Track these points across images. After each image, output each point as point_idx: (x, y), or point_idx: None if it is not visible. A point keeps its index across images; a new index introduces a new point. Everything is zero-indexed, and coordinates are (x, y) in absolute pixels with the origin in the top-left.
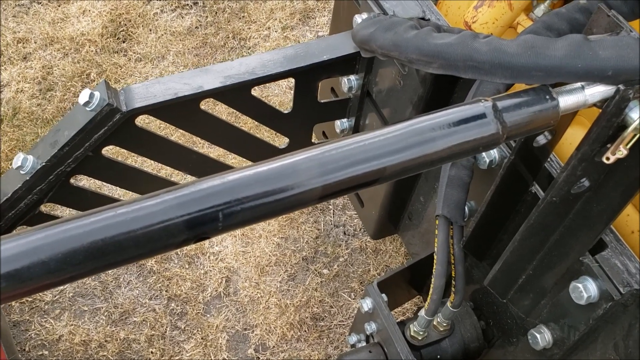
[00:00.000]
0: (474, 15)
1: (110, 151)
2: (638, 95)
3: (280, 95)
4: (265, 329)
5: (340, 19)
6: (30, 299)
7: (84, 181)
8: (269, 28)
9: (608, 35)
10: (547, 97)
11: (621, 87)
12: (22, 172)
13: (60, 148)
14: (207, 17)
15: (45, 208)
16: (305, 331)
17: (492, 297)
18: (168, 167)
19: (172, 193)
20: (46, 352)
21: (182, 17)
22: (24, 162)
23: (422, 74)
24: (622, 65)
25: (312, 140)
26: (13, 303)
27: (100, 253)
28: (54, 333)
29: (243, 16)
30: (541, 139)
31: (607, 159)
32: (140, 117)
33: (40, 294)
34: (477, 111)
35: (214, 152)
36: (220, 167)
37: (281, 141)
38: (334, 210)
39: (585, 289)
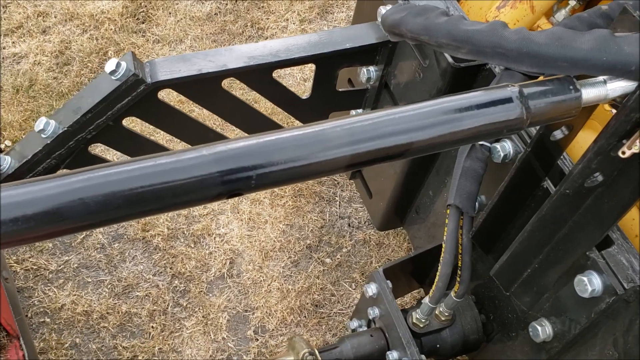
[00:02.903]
0: (496, 16)
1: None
2: None
3: (294, 87)
4: (266, 311)
5: (364, 13)
6: (35, 267)
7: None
8: (287, 20)
9: (634, 33)
10: (571, 87)
11: None
12: (43, 135)
13: (83, 114)
14: (227, 4)
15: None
16: (305, 316)
17: (495, 292)
18: (184, 143)
19: (210, 149)
20: (48, 320)
21: (202, 3)
22: (46, 126)
23: (442, 66)
24: None
25: None
26: (17, 269)
27: (139, 199)
28: (56, 301)
29: (262, 6)
30: (558, 134)
31: (623, 153)
32: (162, 92)
33: (45, 263)
34: (504, 95)
35: (229, 132)
36: None
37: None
38: (340, 202)
39: (590, 283)
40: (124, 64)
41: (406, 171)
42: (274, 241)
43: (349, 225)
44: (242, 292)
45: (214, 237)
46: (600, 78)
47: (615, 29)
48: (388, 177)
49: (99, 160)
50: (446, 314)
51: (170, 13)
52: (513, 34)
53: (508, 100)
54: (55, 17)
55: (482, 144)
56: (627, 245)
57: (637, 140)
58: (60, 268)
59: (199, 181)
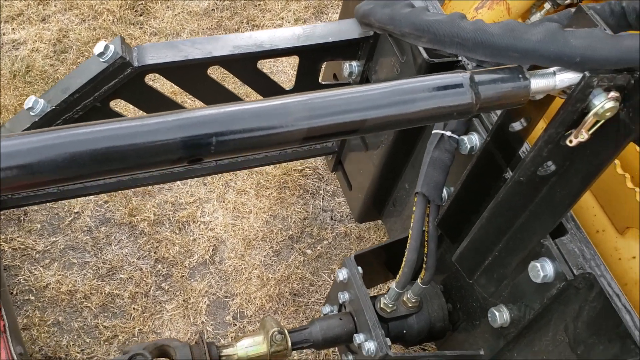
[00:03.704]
0: (474, 16)
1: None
2: (602, 84)
3: (285, 83)
4: (245, 298)
5: (349, 13)
6: (22, 247)
7: None
8: (282, 18)
9: (581, 28)
10: (520, 76)
11: (587, 74)
12: (32, 113)
13: (70, 94)
14: (224, 1)
15: None
16: (283, 304)
17: (461, 281)
18: None
19: (174, 115)
20: (32, 298)
21: None
22: (35, 104)
23: (418, 62)
24: (589, 54)
25: None
26: (5, 248)
27: (104, 159)
28: (41, 280)
29: (259, 4)
30: (517, 125)
31: (570, 142)
32: (150, 76)
33: (32, 243)
34: (456, 80)
35: None
36: None
37: None
38: (324, 196)
39: (543, 269)
40: (112, 47)
41: (383, 164)
42: (257, 231)
43: (332, 218)
44: (223, 279)
45: (199, 225)
46: (551, 69)
47: (570, 25)
48: (367, 170)
49: None
50: (413, 300)
51: (168, 7)
52: (470, 25)
53: (459, 85)
54: (55, 5)
55: (450, 136)
56: (580, 234)
57: (583, 130)
58: (47, 248)
59: (162, 145)
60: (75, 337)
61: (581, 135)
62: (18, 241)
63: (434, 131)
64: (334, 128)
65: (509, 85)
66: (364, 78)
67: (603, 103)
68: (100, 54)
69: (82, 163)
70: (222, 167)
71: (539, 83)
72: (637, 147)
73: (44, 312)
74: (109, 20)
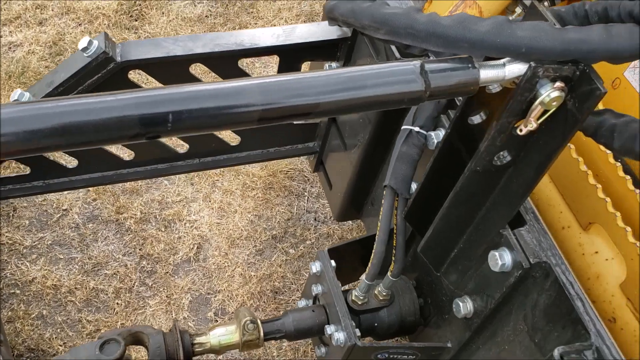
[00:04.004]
0: None
1: None
2: (548, 75)
3: None
4: (228, 295)
5: None
6: (10, 242)
7: None
8: (274, 25)
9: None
10: (470, 66)
11: (532, 64)
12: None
13: (55, 87)
14: (217, 7)
15: None
16: (264, 302)
17: (432, 276)
18: None
19: (132, 93)
20: (18, 291)
21: (195, 5)
22: (20, 97)
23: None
24: (534, 44)
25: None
26: None
27: (64, 132)
28: (28, 275)
29: (252, 12)
30: (476, 119)
31: (520, 130)
32: (134, 73)
33: (20, 238)
34: (406, 68)
35: None
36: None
37: None
38: (308, 197)
39: (501, 257)
40: (95, 42)
41: (360, 164)
42: (242, 230)
43: (315, 219)
44: (207, 276)
45: (185, 223)
46: (501, 61)
47: (524, 21)
48: (345, 169)
49: None
50: (384, 293)
51: (163, 13)
52: (423, 17)
53: (410, 73)
54: (52, 10)
55: (418, 132)
56: (538, 226)
57: (531, 119)
58: (34, 244)
59: (119, 120)
60: (59, 330)
61: (530, 124)
62: (6, 236)
63: (403, 127)
64: (287, 110)
65: (459, 74)
66: None
67: (549, 92)
68: (84, 49)
69: (43, 135)
70: (205, 164)
71: (488, 73)
72: (601, 147)
73: (29, 305)
74: (104, 24)
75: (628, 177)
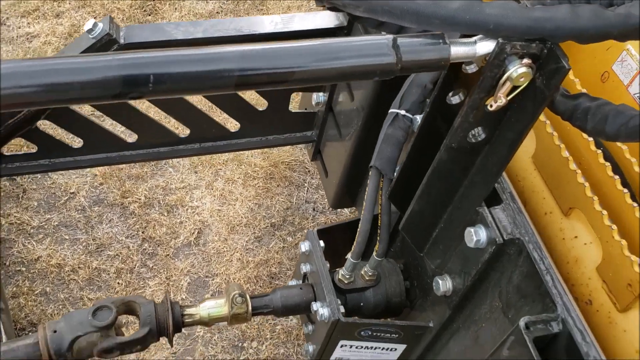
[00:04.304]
0: None
1: None
2: (515, 51)
3: None
4: (225, 278)
5: None
6: (18, 222)
7: None
8: None
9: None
10: (441, 41)
11: (500, 40)
12: None
13: None
14: (229, 4)
15: (42, 126)
16: (260, 286)
17: (418, 260)
18: (159, 110)
19: (117, 55)
20: (23, 269)
21: (206, 2)
22: (94, 27)
23: None
24: (501, 21)
25: (289, 109)
26: (2, 222)
27: (53, 89)
28: (33, 254)
29: (262, 8)
30: (455, 99)
31: (490, 106)
32: None
33: (28, 219)
34: (379, 42)
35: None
36: (201, 116)
37: (262, 104)
38: (308, 188)
39: (476, 234)
40: (100, 25)
41: (354, 151)
42: (242, 217)
43: (314, 209)
44: (206, 260)
45: (187, 209)
46: (473, 38)
47: None
48: (340, 157)
49: (74, 115)
50: (370, 273)
51: (175, 8)
52: None
53: (382, 46)
54: (69, 3)
55: (404, 115)
56: (514, 205)
57: (500, 94)
58: (41, 225)
59: (102, 80)
60: (60, 306)
61: (499, 100)
62: (15, 216)
63: (390, 110)
64: (263, 78)
65: (430, 49)
66: None
67: (516, 68)
68: (89, 31)
69: (34, 91)
70: (205, 149)
71: (459, 50)
72: (584, 135)
73: (33, 282)
74: (119, 18)
75: (608, 164)
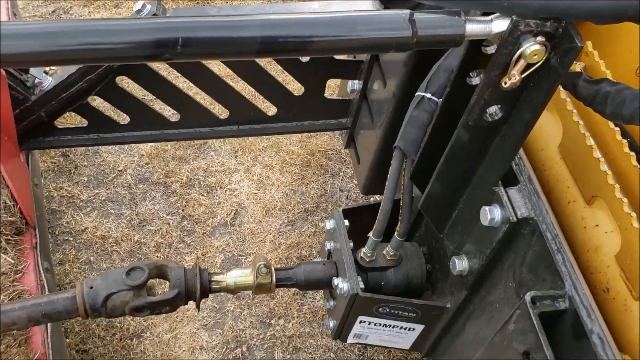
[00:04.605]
0: None
1: None
2: (529, 29)
3: None
4: None
5: None
6: (69, 195)
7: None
8: None
9: None
10: (457, 18)
11: (514, 17)
12: None
13: None
14: None
15: (93, 102)
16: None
17: (440, 242)
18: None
19: (153, 19)
20: (71, 238)
21: None
22: (143, 8)
23: None
24: (515, 0)
25: (325, 95)
26: (55, 194)
27: (90, 48)
28: (81, 225)
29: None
30: (475, 80)
31: (505, 83)
32: None
33: (78, 192)
34: (396, 16)
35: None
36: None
37: (298, 89)
38: (343, 177)
39: (490, 212)
40: (148, 6)
41: (385, 138)
42: (277, 201)
43: (347, 197)
44: (240, 240)
45: (225, 191)
46: (490, 17)
47: None
48: (372, 143)
49: (123, 93)
50: (391, 253)
51: (226, 2)
52: None
53: (399, 20)
54: None
55: (430, 98)
56: (530, 186)
57: (514, 72)
58: (90, 199)
59: (138, 41)
60: None
61: (513, 77)
62: (66, 190)
63: (416, 94)
64: (283, 46)
65: (446, 24)
66: (374, 57)
67: (529, 45)
68: (138, 11)
69: (72, 49)
70: (243, 131)
71: (474, 27)
72: (611, 124)
73: (79, 251)
74: (175, 6)
75: (632, 153)
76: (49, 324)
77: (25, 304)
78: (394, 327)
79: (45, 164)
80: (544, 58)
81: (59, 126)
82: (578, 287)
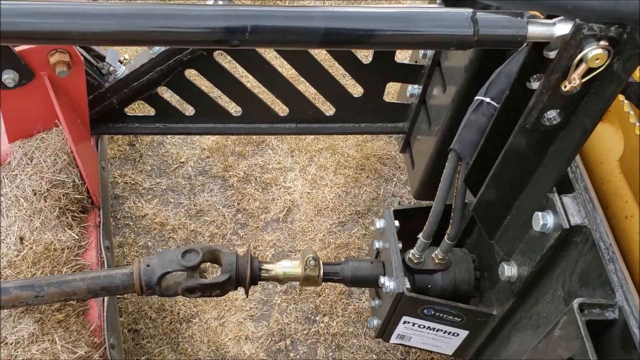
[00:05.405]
0: None
1: None
2: (593, 33)
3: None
4: None
5: None
6: (133, 182)
7: None
8: None
9: None
10: (519, 19)
11: (577, 20)
12: (151, 51)
13: None
14: (340, 3)
15: (164, 93)
16: None
17: (492, 251)
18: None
19: (225, 6)
20: (131, 223)
21: (323, 2)
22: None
23: None
24: (579, 2)
25: (383, 98)
26: (119, 180)
27: (166, 32)
28: (142, 211)
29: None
30: (535, 85)
31: (565, 86)
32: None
33: (141, 180)
34: (459, 14)
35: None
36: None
37: (357, 91)
38: (396, 183)
39: (543, 218)
40: (220, 2)
41: (441, 142)
42: (329, 202)
43: (399, 203)
44: (291, 236)
45: (280, 188)
46: (553, 20)
47: None
48: (427, 148)
49: (190, 85)
50: (440, 257)
51: None
52: None
53: (461, 18)
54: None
55: (489, 102)
56: (586, 195)
57: (575, 75)
58: (151, 187)
59: (210, 26)
60: None
61: (573, 81)
62: (130, 177)
63: (475, 98)
64: (345, 37)
65: (507, 25)
66: (436, 61)
67: (591, 49)
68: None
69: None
70: (301, 129)
71: (536, 29)
72: None
73: (138, 235)
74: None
75: None
76: (105, 300)
77: (85, 275)
78: (438, 330)
79: (113, 152)
80: (607, 63)
81: (129, 113)
82: (629, 298)
